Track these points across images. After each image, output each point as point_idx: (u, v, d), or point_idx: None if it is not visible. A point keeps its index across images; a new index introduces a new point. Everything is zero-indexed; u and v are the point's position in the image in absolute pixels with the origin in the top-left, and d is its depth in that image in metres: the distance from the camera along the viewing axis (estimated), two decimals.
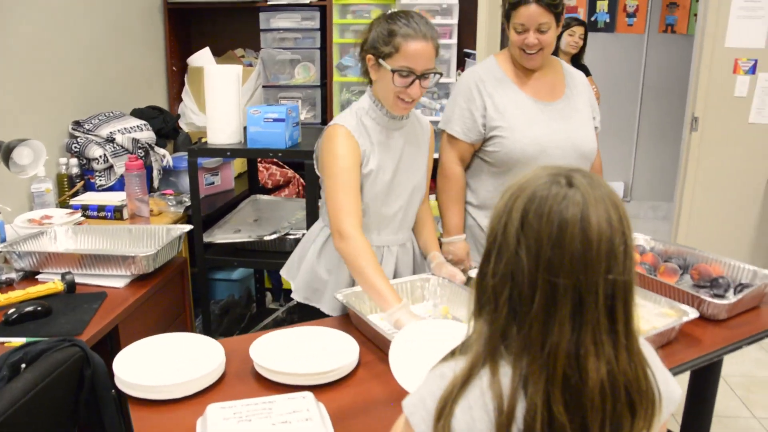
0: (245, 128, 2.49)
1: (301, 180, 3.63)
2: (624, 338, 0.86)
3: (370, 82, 1.84)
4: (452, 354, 0.95)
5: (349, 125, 1.78)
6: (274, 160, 3.55)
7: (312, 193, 2.41)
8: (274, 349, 1.53)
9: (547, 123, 2.10)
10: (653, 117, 5.76)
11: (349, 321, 1.78)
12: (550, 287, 0.83)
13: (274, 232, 2.53)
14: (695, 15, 5.52)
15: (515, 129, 2.07)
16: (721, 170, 4.01)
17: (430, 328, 1.51)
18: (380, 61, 1.73)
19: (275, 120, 2.40)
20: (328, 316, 1.90)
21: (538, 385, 0.84)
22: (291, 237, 2.59)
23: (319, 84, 3.64)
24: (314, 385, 1.43)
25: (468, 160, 2.19)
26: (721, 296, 1.94)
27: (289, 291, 3.64)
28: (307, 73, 3.67)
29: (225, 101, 2.50)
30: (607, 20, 5.73)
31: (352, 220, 1.72)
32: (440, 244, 2.14)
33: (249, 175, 3.13)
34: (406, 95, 1.74)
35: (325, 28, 3.58)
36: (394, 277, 1.95)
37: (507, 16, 2.07)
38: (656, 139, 5.81)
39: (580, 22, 4.48)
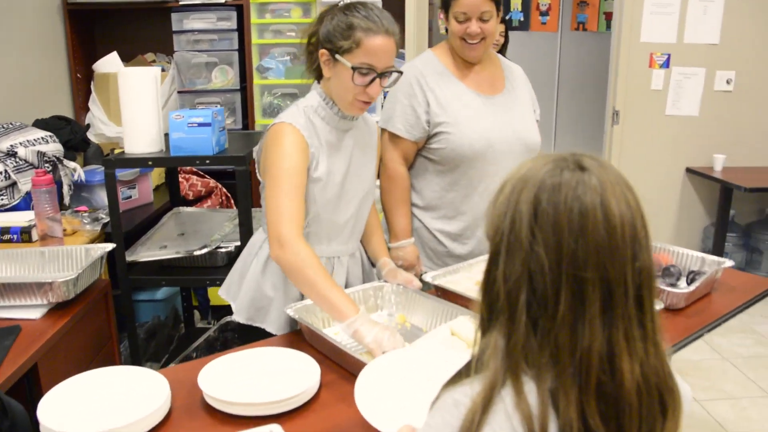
0: (166, 135, 2.29)
1: (224, 190, 3.43)
2: (651, 331, 0.79)
3: (318, 78, 1.69)
4: (460, 376, 0.83)
5: (297, 123, 1.61)
6: (194, 169, 3.34)
7: (245, 202, 2.24)
8: (226, 377, 1.37)
9: (492, 117, 2.04)
10: (570, 112, 5.89)
11: (300, 338, 1.63)
12: (577, 283, 0.75)
13: (204, 246, 2.34)
14: (605, 13, 5.71)
15: (461, 124, 1.99)
16: (642, 161, 4.12)
17: (400, 359, 1.36)
18: (337, 56, 1.57)
19: (200, 125, 2.21)
20: (271, 335, 1.73)
21: (570, 397, 0.75)
22: (222, 250, 2.40)
23: (238, 88, 3.46)
24: (276, 414, 1.28)
25: (411, 160, 2.09)
26: (674, 285, 1.93)
27: (218, 307, 3.47)
28: (224, 77, 3.47)
29: (143, 107, 2.28)
30: (521, 19, 5.81)
31: (294, 226, 1.55)
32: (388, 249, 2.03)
33: (169, 187, 2.90)
34: (365, 95, 1.60)
35: (242, 29, 3.40)
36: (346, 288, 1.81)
37: (446, 6, 1.99)
38: (573, 134, 5.94)
39: (500, 20, 4.49)
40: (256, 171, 1.73)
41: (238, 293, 1.79)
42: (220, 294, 1.87)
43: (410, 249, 2.06)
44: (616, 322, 0.76)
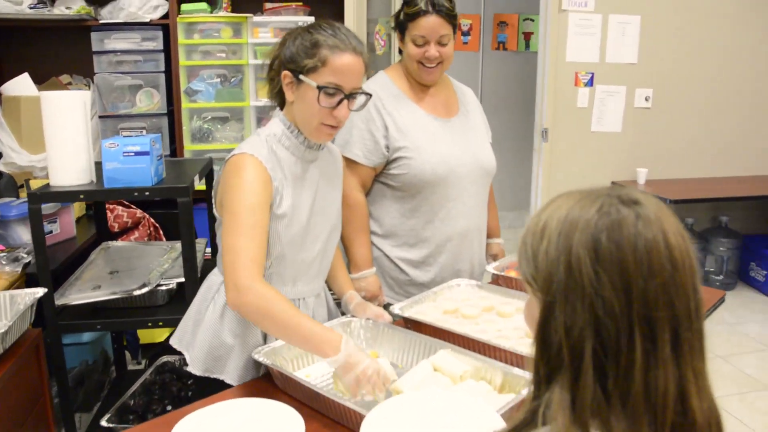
0: (97, 164, 2.11)
1: (152, 220, 3.23)
2: (703, 368, 0.76)
3: (281, 105, 1.58)
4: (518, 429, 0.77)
5: (260, 155, 1.47)
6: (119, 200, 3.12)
7: (189, 236, 2.08)
8: None
9: (450, 140, 1.99)
10: (492, 130, 5.97)
11: (266, 386, 1.50)
12: (649, 325, 0.71)
13: (144, 285, 2.16)
14: (524, 33, 5.86)
15: (421, 148, 1.93)
16: (571, 176, 4.22)
17: (405, 403, 1.27)
18: (301, 77, 1.45)
19: (137, 154, 2.04)
20: (229, 386, 1.57)
21: None
22: (163, 288, 2.23)
23: (165, 112, 3.27)
24: None
25: (369, 186, 2.01)
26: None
27: (149, 345, 3.25)
28: (150, 100, 3.27)
29: (70, 134, 2.08)
30: None
31: (253, 268, 1.39)
32: None
33: (96, 220, 2.68)
34: (332, 118, 1.48)
35: (169, 50, 3.23)
36: None
37: (402, 29, 1.94)
38: (498, 151, 6.02)
39: None
40: (213, 206, 1.59)
41: (193, 342, 1.61)
42: (172, 344, 1.68)
43: (372, 279, 1.97)
44: (685, 359, 0.73)
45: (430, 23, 1.87)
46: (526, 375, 1.38)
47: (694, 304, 0.73)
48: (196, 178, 2.25)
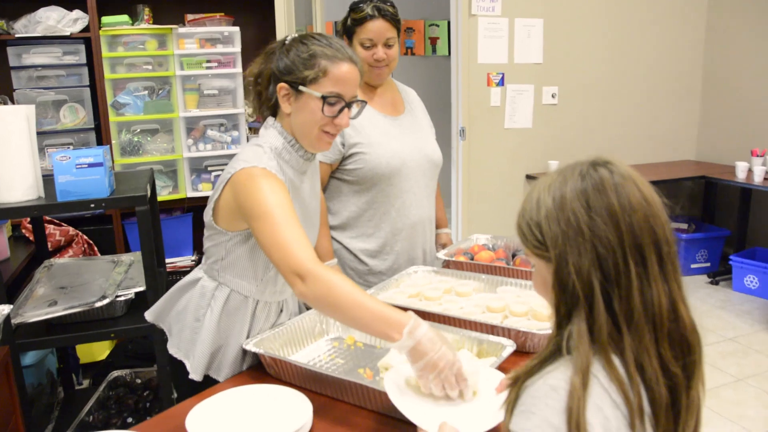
0: (45, 178, 2.08)
1: (85, 237, 3.16)
2: (680, 281, 0.94)
3: (265, 116, 1.60)
4: (538, 368, 0.91)
5: (270, 167, 1.46)
6: (47, 218, 3.03)
7: (148, 244, 2.09)
8: (217, 422, 1.29)
9: (400, 136, 2.12)
10: None
11: (256, 376, 1.56)
12: (638, 250, 0.88)
13: (104, 297, 2.14)
14: (430, 38, 6.11)
15: (375, 144, 2.05)
16: (488, 171, 4.46)
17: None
18: (301, 88, 1.48)
19: (91, 165, 2.03)
20: (215, 381, 1.59)
21: (651, 352, 0.88)
22: (121, 299, 2.22)
23: (92, 126, 3.21)
24: None
25: (326, 182, 2.11)
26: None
27: (90, 365, 3.16)
28: (75, 115, 3.21)
29: (15, 150, 2.05)
30: None
31: (307, 253, 1.35)
32: None
33: (36, 238, 2.61)
34: (333, 127, 1.51)
35: (92, 63, 3.17)
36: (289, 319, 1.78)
37: (350, 33, 2.06)
38: None
39: None
40: (210, 216, 1.58)
41: (193, 350, 1.61)
42: (171, 352, 1.66)
43: (335, 269, 2.07)
44: (669, 275, 0.90)
45: (377, 27, 2.00)
46: (501, 341, 1.54)
47: (668, 230, 0.91)
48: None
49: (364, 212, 2.11)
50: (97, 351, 3.23)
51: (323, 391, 1.46)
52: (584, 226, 0.88)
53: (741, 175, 4.32)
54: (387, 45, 2.04)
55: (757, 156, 4.32)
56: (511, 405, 0.91)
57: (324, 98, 1.48)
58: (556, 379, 0.87)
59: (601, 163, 0.93)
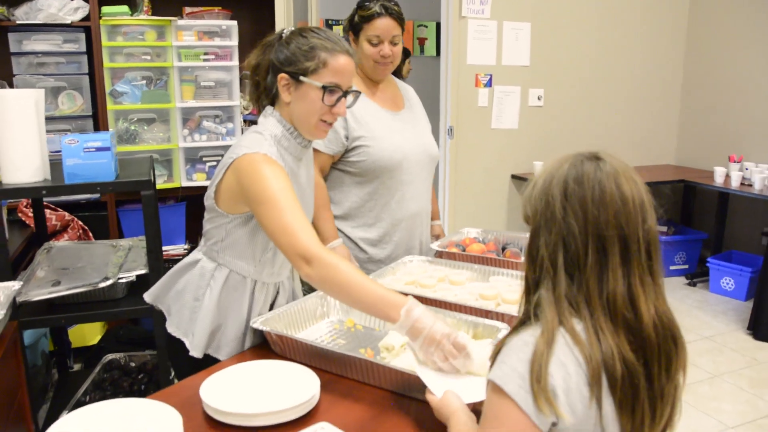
0: (52, 162, 2.13)
1: (80, 223, 3.20)
2: (658, 281, 1.02)
3: (262, 106, 1.68)
4: (517, 327, 1.04)
5: (270, 153, 1.54)
6: (45, 202, 3.07)
7: (153, 227, 2.16)
8: (229, 393, 1.36)
9: (401, 131, 2.20)
10: None
11: (260, 354, 1.63)
12: (600, 241, 0.98)
13: (106, 278, 2.20)
14: (418, 38, 6.20)
15: (378, 138, 2.13)
16: (475, 170, 4.56)
17: None
18: (302, 78, 1.56)
19: (98, 149, 2.09)
20: (215, 359, 1.65)
21: (605, 330, 0.97)
22: (122, 281, 2.28)
23: (90, 114, 3.25)
24: (293, 420, 1.30)
25: (327, 171, 2.18)
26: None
27: (82, 349, 3.20)
28: (73, 103, 3.24)
29: (23, 132, 2.09)
30: None
31: (312, 238, 1.43)
32: None
33: (36, 221, 2.65)
34: (331, 116, 1.60)
35: (92, 52, 3.21)
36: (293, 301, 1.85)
37: (356, 30, 2.13)
38: None
39: None
40: (212, 200, 1.65)
41: (193, 328, 1.67)
42: (171, 331, 1.72)
43: (341, 248, 2.14)
44: (633, 271, 0.99)
45: (384, 24, 2.09)
46: (496, 324, 1.63)
47: (642, 231, 0.99)
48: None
49: (365, 203, 2.18)
50: (89, 335, 3.27)
51: (328, 368, 1.53)
52: (558, 211, 0.99)
53: (719, 179, 4.47)
54: (392, 42, 2.12)
55: (735, 162, 4.47)
56: (492, 360, 1.03)
57: (324, 88, 1.56)
58: (528, 335, 0.99)
59: (593, 157, 1.03)
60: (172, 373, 2.62)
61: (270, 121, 1.64)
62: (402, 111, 2.27)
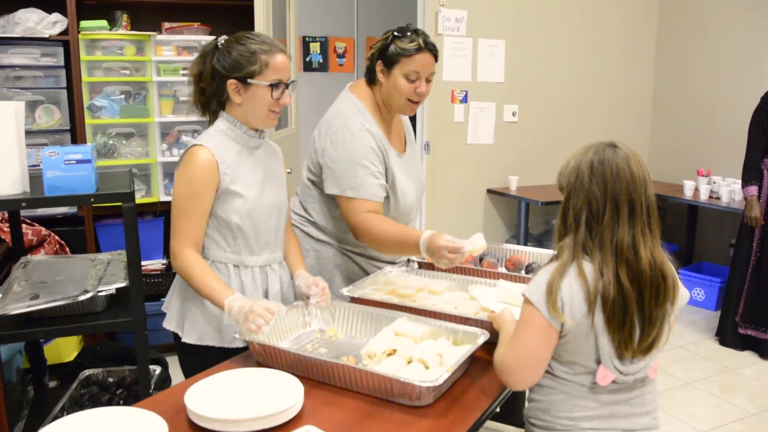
0: (30, 176, 2.12)
1: (57, 237, 3.18)
2: (655, 235, 1.41)
3: (205, 112, 1.87)
4: (548, 263, 1.46)
5: (207, 143, 1.78)
6: (22, 217, 3.05)
7: (133, 240, 2.15)
8: (213, 400, 1.37)
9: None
10: None
11: (243, 364, 1.65)
12: (614, 203, 1.38)
13: (86, 291, 2.19)
14: None
15: (396, 186, 2.13)
16: (451, 185, 4.62)
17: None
18: (249, 81, 1.76)
19: (79, 162, 2.09)
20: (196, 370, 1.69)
21: (609, 266, 1.37)
22: (102, 294, 2.27)
23: (68, 128, 3.24)
24: (278, 425, 1.32)
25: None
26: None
27: (58, 366, 3.16)
28: (50, 117, 3.24)
29: (2, 143, 2.09)
30: (321, 61, 6.15)
31: (184, 241, 1.77)
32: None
33: (12, 236, 2.63)
34: (278, 106, 1.81)
35: (70, 66, 3.21)
36: (282, 294, 1.95)
37: (391, 62, 2.03)
38: None
39: None
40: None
41: (185, 322, 1.88)
42: (166, 326, 1.93)
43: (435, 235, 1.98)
44: (637, 225, 1.38)
45: (425, 60, 2.01)
46: (476, 331, 1.66)
47: (645, 198, 1.39)
48: None
49: None
50: (65, 352, 3.24)
51: (311, 375, 1.56)
52: (585, 182, 1.40)
53: (688, 193, 4.59)
54: (428, 80, 2.06)
55: (703, 176, 4.59)
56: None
57: (271, 86, 1.77)
58: (552, 267, 1.41)
59: (611, 145, 1.43)
60: (152, 387, 2.62)
61: (218, 121, 1.86)
62: (406, 152, 2.26)
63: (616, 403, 1.44)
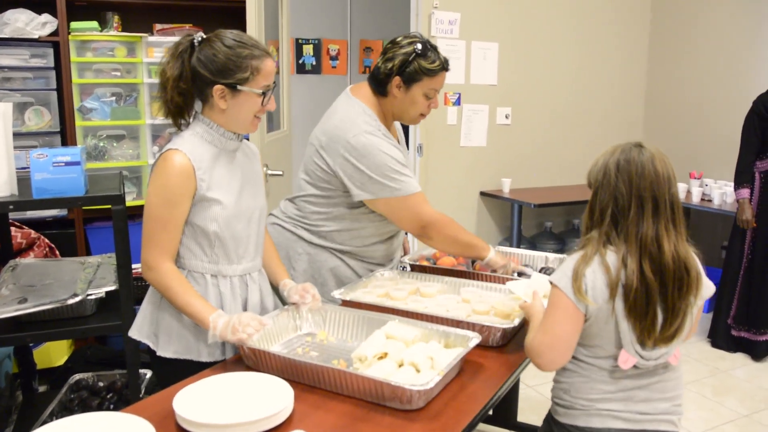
0: (19, 178, 2.11)
1: (47, 240, 3.15)
2: (679, 231, 1.50)
3: (175, 119, 1.76)
4: (574, 252, 1.55)
5: (183, 148, 1.68)
6: (11, 220, 3.02)
7: (123, 243, 2.14)
8: (203, 405, 1.36)
9: None
10: None
11: (233, 368, 1.64)
12: (639, 200, 1.47)
13: (75, 295, 2.17)
14: None
15: None
16: (444, 187, 4.61)
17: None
18: (239, 87, 1.67)
19: (68, 164, 2.08)
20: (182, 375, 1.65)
21: (634, 258, 1.46)
22: (91, 298, 2.25)
23: (58, 130, 3.22)
24: (269, 429, 1.31)
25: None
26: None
27: (47, 371, 3.13)
28: (40, 119, 3.21)
29: None
30: (314, 63, 6.13)
31: (158, 251, 1.67)
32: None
33: (1, 240, 2.61)
34: (262, 111, 1.74)
35: (60, 67, 3.19)
36: (261, 304, 1.88)
37: (413, 79, 2.07)
38: None
39: None
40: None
41: (158, 334, 1.76)
42: (133, 335, 1.80)
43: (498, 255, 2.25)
44: (661, 220, 1.47)
45: (444, 78, 2.12)
46: (467, 333, 1.65)
47: (669, 195, 1.48)
48: None
49: (381, 244, 2.30)
50: (55, 356, 3.21)
51: (301, 379, 1.55)
52: (612, 179, 1.50)
53: (680, 195, 4.59)
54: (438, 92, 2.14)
55: (695, 178, 4.60)
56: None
57: (264, 93, 1.71)
58: (577, 255, 1.51)
59: (637, 146, 1.52)
60: (143, 391, 2.59)
61: (195, 124, 1.76)
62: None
63: (635, 388, 1.52)
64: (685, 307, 1.48)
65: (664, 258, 1.44)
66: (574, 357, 1.55)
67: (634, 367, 1.49)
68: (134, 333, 1.81)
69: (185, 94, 1.72)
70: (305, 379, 1.54)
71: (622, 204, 1.47)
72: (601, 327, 1.48)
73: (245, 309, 1.82)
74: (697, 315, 1.56)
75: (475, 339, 1.64)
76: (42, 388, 3.16)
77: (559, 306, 1.49)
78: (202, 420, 1.28)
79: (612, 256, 1.47)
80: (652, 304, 1.44)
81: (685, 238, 1.50)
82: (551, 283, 1.52)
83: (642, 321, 1.45)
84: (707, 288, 1.55)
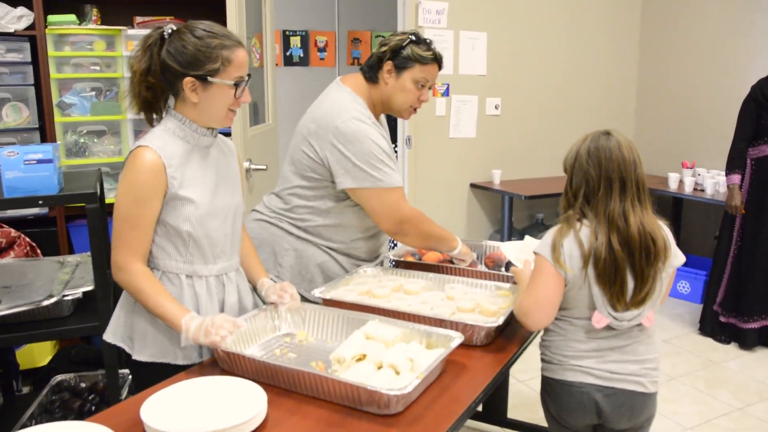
0: None
1: (28, 239, 3.09)
2: (645, 206, 1.67)
3: (146, 111, 1.69)
4: (553, 227, 1.71)
5: (153, 145, 1.60)
6: None
7: (97, 242, 2.08)
8: (171, 414, 1.31)
9: None
10: None
11: (208, 372, 1.59)
12: (607, 181, 1.64)
13: (50, 296, 2.11)
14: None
15: None
16: (434, 179, 4.56)
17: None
18: (210, 79, 1.60)
19: (40, 162, 2.02)
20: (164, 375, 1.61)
21: (603, 231, 1.62)
22: (68, 299, 2.20)
23: (37, 126, 3.15)
24: None
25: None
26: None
27: (30, 371, 3.08)
28: (18, 115, 3.14)
29: None
30: (301, 55, 6.06)
31: (129, 252, 1.61)
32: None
33: None
34: (236, 104, 1.67)
35: (37, 62, 3.12)
36: (240, 304, 1.82)
37: (402, 65, 2.06)
38: None
39: None
40: None
41: (133, 338, 1.70)
42: (108, 339, 1.73)
43: (466, 249, 2.27)
44: (627, 198, 1.64)
45: (435, 71, 2.09)
46: (450, 333, 1.61)
47: (634, 175, 1.65)
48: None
49: (367, 239, 2.26)
50: (38, 357, 3.15)
51: (277, 383, 1.50)
52: (584, 163, 1.67)
53: (673, 185, 4.55)
54: (430, 87, 2.12)
55: (687, 168, 4.56)
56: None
57: (236, 85, 1.63)
58: (556, 229, 1.68)
59: (606, 134, 1.69)
60: (126, 392, 2.55)
61: (167, 118, 1.69)
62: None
63: (607, 349, 1.68)
64: (654, 273, 1.64)
65: (630, 230, 1.61)
66: (556, 318, 1.73)
67: (609, 328, 1.66)
68: (109, 336, 1.74)
69: (153, 88, 1.65)
70: (281, 383, 1.49)
71: (592, 185, 1.65)
72: (577, 292, 1.66)
73: (222, 310, 1.76)
74: (669, 282, 1.73)
75: (457, 339, 1.60)
76: (25, 389, 3.11)
77: (543, 271, 1.67)
78: (169, 428, 1.23)
79: (585, 230, 1.64)
80: (620, 271, 1.61)
81: (650, 212, 1.66)
82: (535, 252, 1.70)
83: (612, 286, 1.61)
84: (676, 257, 1.70)
